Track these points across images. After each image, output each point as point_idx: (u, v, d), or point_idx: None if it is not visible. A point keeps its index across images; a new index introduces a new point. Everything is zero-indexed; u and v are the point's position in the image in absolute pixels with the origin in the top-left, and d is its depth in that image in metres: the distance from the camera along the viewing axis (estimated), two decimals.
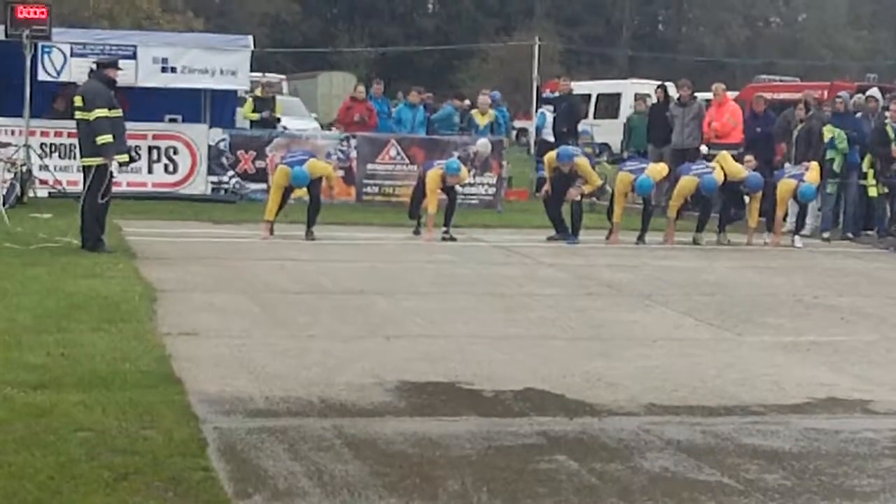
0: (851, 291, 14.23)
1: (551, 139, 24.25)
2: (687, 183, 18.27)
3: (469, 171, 19.41)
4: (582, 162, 18.09)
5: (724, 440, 7.43)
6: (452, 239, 17.42)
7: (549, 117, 25.84)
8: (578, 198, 17.91)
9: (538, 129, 26.78)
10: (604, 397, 8.36)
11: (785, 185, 18.47)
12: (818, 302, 13.20)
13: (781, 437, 7.57)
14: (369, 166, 22.02)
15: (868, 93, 22.07)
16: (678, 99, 22.91)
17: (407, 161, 21.97)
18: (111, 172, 14.56)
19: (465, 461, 6.83)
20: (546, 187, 18.38)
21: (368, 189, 22.04)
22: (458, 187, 18.42)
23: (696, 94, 23.02)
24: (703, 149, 21.32)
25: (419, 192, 17.85)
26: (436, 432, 7.35)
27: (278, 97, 24.83)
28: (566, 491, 6.35)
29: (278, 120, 24.46)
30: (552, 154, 18.53)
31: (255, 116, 23.84)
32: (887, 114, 19.86)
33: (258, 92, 24.84)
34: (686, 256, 17.14)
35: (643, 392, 8.56)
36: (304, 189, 17.25)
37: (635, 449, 7.17)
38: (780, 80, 29.35)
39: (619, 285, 13.93)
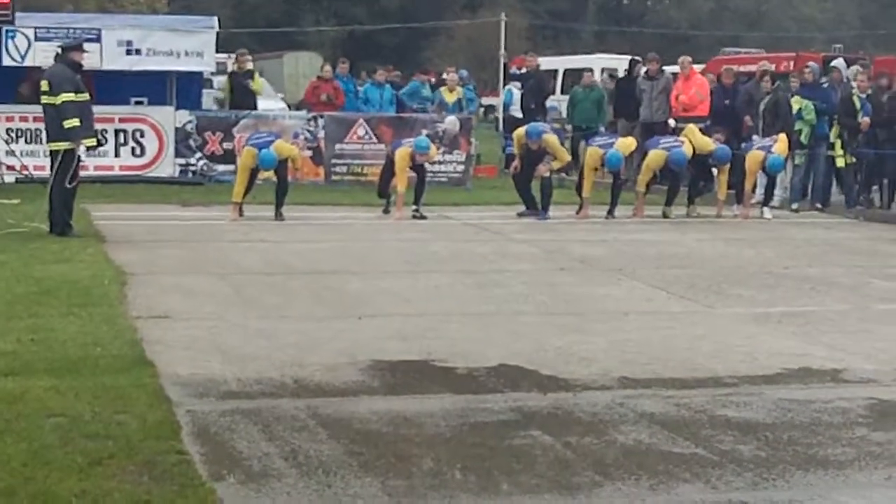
0: (821, 262, 14.28)
1: (519, 115, 24.25)
2: (656, 157, 18.30)
3: (438, 149, 19.37)
4: (550, 139, 18.08)
5: (697, 412, 7.45)
6: (423, 217, 17.40)
7: (517, 94, 25.84)
8: (547, 174, 17.91)
9: (506, 106, 26.77)
10: (577, 372, 8.37)
11: (753, 157, 18.51)
12: (788, 273, 13.25)
13: (755, 408, 7.59)
14: (337, 146, 21.94)
15: (832, 63, 22.12)
16: (646, 73, 22.91)
17: (375, 140, 21.90)
18: (78, 157, 14.47)
19: (439, 439, 6.83)
20: (515, 164, 18.36)
21: (337, 169, 21.96)
22: (427, 165, 18.37)
23: (663, 67, 23.03)
24: (671, 123, 21.36)
25: (388, 171, 17.79)
26: (410, 410, 7.35)
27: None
28: (541, 466, 6.35)
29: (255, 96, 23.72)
30: (521, 131, 18.51)
31: (228, 89, 23.23)
32: (854, 84, 19.91)
33: (234, 67, 24.26)
34: (656, 230, 17.17)
35: (616, 366, 8.57)
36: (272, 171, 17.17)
37: (609, 423, 7.18)
38: (746, 53, 29.41)
39: (590, 260, 13.95)
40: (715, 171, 18.94)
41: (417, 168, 17.83)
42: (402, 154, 17.55)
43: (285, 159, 17.08)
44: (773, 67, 23.04)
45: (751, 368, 8.64)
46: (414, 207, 17.49)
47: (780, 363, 8.80)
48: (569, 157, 18.73)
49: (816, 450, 6.74)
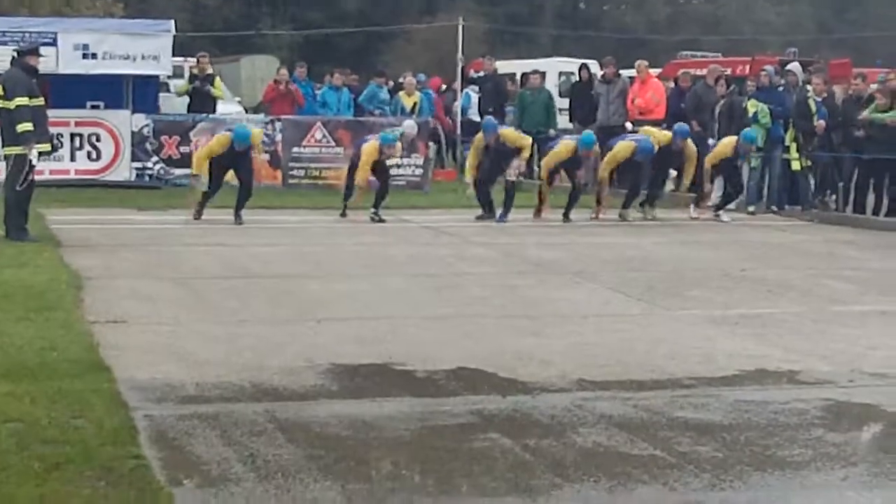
0: (778, 264, 14.38)
1: (477, 119, 24.24)
2: (623, 147, 18.32)
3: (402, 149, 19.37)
4: (506, 131, 18.19)
5: (655, 414, 7.48)
6: (381, 220, 17.39)
7: (475, 97, 25.86)
8: (514, 177, 17.93)
9: (464, 110, 26.76)
10: (536, 374, 8.39)
11: (709, 160, 18.66)
12: (745, 275, 13.32)
13: (712, 410, 7.63)
14: (295, 149, 21.88)
15: (787, 67, 22.27)
16: (603, 76, 23.00)
17: (333, 143, 21.84)
18: (31, 161, 14.36)
19: (399, 442, 6.82)
20: (473, 174, 18.26)
21: (295, 172, 21.89)
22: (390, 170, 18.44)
23: (619, 71, 23.14)
24: (628, 126, 21.45)
25: (355, 170, 17.76)
26: (369, 414, 7.34)
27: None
28: (500, 468, 6.36)
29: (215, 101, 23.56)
30: (480, 135, 18.47)
31: (187, 88, 23.12)
32: (809, 87, 20.05)
33: (193, 70, 24.10)
34: (614, 233, 17.23)
35: (575, 368, 8.59)
36: (233, 174, 17.14)
37: (568, 425, 7.20)
38: (703, 56, 29.57)
39: (548, 263, 13.98)
40: (674, 172, 19.09)
41: (381, 172, 17.80)
42: (369, 149, 17.51)
43: (251, 162, 17.13)
44: (727, 71, 23.17)
45: (708, 370, 8.69)
46: (373, 210, 17.47)
47: (737, 365, 8.85)
48: (529, 141, 18.65)
49: (773, 451, 6.78)
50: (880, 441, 7.43)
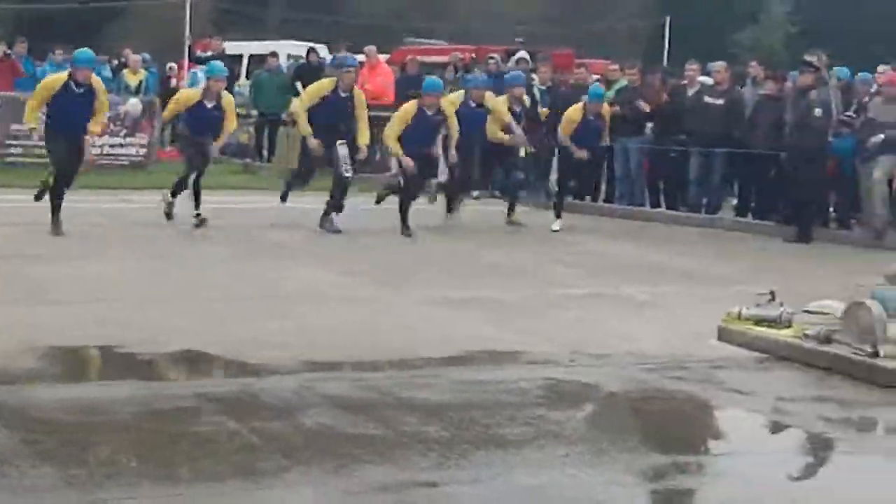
0: (506, 247, 14.65)
1: None
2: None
3: (120, 132, 18.89)
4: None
5: (384, 394, 7.52)
6: None
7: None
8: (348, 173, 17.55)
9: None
10: (264, 357, 8.32)
11: None
12: (475, 259, 13.53)
13: (439, 390, 7.73)
14: (13, 126, 21.08)
15: (518, 55, 22.69)
16: (333, 60, 22.99)
17: None
18: None
19: (122, 426, 6.66)
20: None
21: (13, 150, 21.13)
22: (105, 149, 17.85)
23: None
24: None
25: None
26: (92, 398, 7.15)
27: None
28: (226, 452, 6.28)
29: None
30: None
31: None
32: (535, 76, 20.49)
33: None
34: (344, 215, 17.19)
35: (303, 350, 8.57)
36: None
37: (296, 407, 7.16)
38: (430, 43, 29.90)
39: (281, 244, 13.90)
40: None
41: None
42: None
43: None
44: (463, 57, 23.51)
45: (436, 351, 8.79)
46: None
47: (463, 346, 8.99)
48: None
49: (497, 429, 6.91)
50: (599, 419, 7.66)
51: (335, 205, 15.35)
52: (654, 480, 6.29)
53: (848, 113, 16.92)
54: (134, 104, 20.69)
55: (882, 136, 15.86)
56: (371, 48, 22.93)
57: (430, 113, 15.62)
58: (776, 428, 7.64)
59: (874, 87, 17.44)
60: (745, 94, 18.89)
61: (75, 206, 16.47)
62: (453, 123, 15.89)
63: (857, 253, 15.54)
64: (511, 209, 17.18)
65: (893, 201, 16.24)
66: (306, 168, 16.07)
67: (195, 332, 9.00)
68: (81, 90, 13.96)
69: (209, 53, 26.36)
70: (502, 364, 8.65)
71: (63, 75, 14.44)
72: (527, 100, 17.48)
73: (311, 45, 26.06)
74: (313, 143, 15.23)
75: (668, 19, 47.05)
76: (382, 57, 24.06)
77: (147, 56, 25.92)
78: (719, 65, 18.95)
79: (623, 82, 19.82)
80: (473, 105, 16.39)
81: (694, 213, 18.34)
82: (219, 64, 16.19)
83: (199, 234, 14.50)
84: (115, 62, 26.11)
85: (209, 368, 8.04)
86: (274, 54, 25.44)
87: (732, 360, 9.01)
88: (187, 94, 16.19)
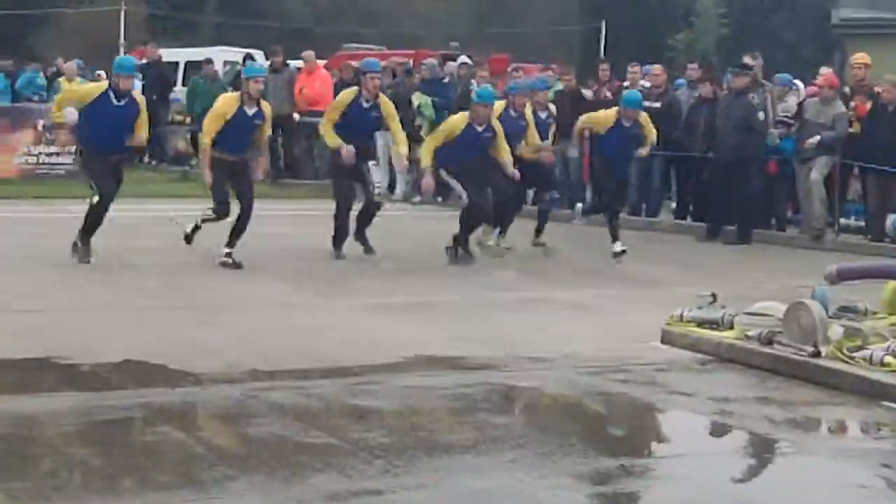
0: (440, 253, 14.60)
1: None
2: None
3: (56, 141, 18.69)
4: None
5: (327, 402, 7.50)
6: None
7: (138, 84, 25.25)
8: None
9: None
10: (206, 365, 8.26)
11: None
12: (411, 265, 13.50)
13: (382, 397, 7.72)
14: None
15: (460, 61, 22.69)
16: (270, 66, 22.89)
17: None
18: None
19: (63, 438, 6.59)
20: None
21: None
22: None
23: (287, 61, 23.13)
24: (296, 116, 21.46)
25: None
26: (30, 410, 7.06)
27: None
28: (172, 462, 6.23)
29: None
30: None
31: None
32: (473, 80, 20.49)
33: None
34: (278, 222, 17.11)
35: (245, 358, 8.51)
36: None
37: (241, 416, 7.12)
38: (367, 49, 29.83)
39: (217, 253, 13.77)
40: None
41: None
42: None
43: None
44: (401, 62, 23.45)
45: (375, 357, 8.76)
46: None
47: (403, 352, 8.96)
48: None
49: (441, 435, 6.91)
50: (544, 423, 7.67)
51: (358, 230, 13.82)
52: (599, 484, 6.31)
53: (785, 114, 17.06)
54: (71, 112, 20.38)
55: (819, 136, 15.99)
56: (309, 53, 22.86)
57: (479, 129, 13.59)
58: (720, 429, 7.69)
59: (803, 91, 17.69)
60: (681, 96, 18.97)
61: (15, 216, 16.34)
62: (503, 144, 13.71)
63: (796, 254, 15.69)
64: (540, 230, 14.97)
65: (831, 202, 16.40)
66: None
67: (132, 341, 8.90)
68: (122, 102, 12.56)
69: (145, 61, 26.18)
70: (439, 369, 8.62)
71: (102, 84, 13.19)
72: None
73: (248, 51, 25.94)
74: (347, 151, 13.38)
75: (604, 22, 47.34)
76: (320, 62, 23.96)
77: (81, 63, 25.65)
78: (656, 68, 19.04)
79: (559, 86, 19.84)
80: (514, 115, 14.30)
81: (633, 216, 18.39)
82: (256, 64, 14.50)
83: (133, 245, 14.30)
84: (50, 70, 25.87)
85: (150, 378, 7.95)
86: (209, 61, 25.27)
87: (676, 363, 9.06)
88: (225, 102, 12.91)
